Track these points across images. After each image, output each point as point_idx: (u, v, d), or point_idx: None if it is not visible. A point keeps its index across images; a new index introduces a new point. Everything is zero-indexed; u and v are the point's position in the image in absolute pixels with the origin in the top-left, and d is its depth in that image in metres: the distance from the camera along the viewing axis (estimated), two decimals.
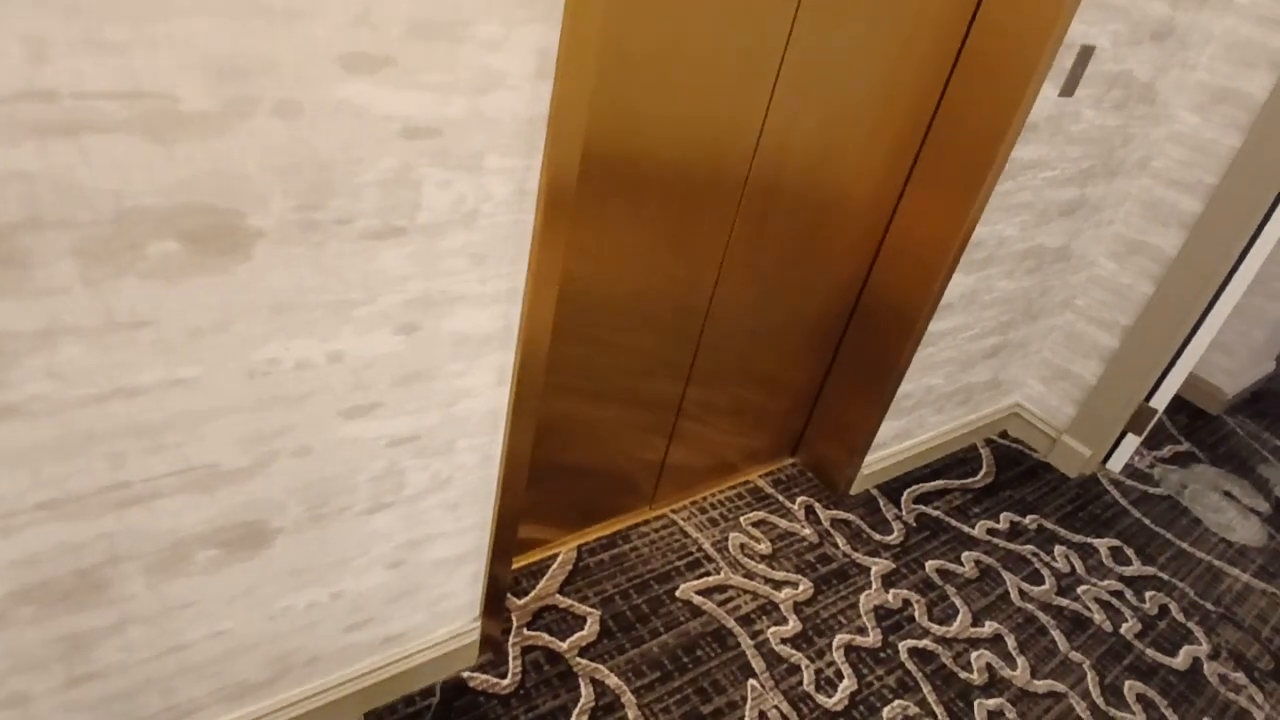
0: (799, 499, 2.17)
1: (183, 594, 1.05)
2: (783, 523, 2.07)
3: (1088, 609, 2.07)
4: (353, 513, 1.16)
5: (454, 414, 1.18)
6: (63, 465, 0.86)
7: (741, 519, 2.05)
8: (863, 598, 1.91)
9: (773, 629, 1.77)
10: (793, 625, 1.80)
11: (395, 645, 1.40)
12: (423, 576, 1.34)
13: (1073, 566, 2.20)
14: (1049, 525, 2.33)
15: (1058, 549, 2.25)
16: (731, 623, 1.76)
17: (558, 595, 1.73)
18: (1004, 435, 2.70)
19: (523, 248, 1.09)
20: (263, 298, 0.89)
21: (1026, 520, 2.33)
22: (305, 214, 0.87)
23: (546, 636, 1.63)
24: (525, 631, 1.63)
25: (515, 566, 1.77)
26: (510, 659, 1.57)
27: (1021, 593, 2.06)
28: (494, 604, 1.50)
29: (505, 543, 1.42)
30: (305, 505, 1.10)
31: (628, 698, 1.55)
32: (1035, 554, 2.21)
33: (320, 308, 0.94)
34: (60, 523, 0.89)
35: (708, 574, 1.87)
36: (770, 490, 2.17)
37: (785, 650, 1.73)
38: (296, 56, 0.78)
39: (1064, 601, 2.07)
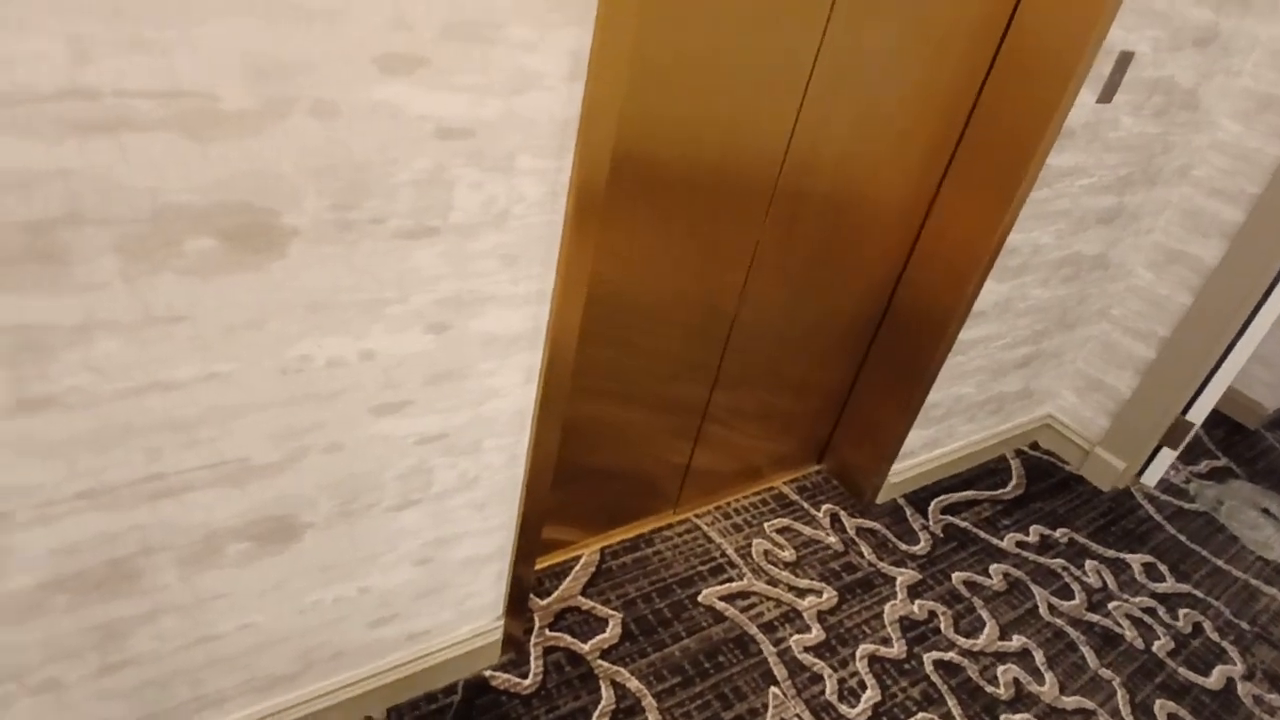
0: (824, 506, 2.15)
1: (214, 586, 1.07)
2: (807, 530, 2.06)
3: (1119, 625, 2.03)
4: (381, 509, 1.17)
5: (482, 413, 1.19)
6: (99, 457, 0.87)
7: (766, 525, 2.04)
8: (888, 608, 1.89)
9: (795, 637, 1.76)
10: (816, 634, 1.78)
11: (420, 642, 1.41)
12: (448, 574, 1.35)
13: (1104, 582, 2.16)
14: (1080, 539, 2.29)
15: (1089, 564, 2.21)
16: (754, 629, 1.75)
17: (580, 597, 1.73)
18: (1035, 446, 2.66)
19: (552, 249, 1.09)
20: (297, 295, 0.90)
21: (1057, 533, 2.29)
22: (340, 213, 0.88)
23: (568, 638, 1.63)
24: (547, 632, 1.63)
25: (538, 567, 1.77)
26: (532, 659, 1.57)
27: (1051, 607, 2.03)
28: (517, 604, 1.50)
29: (530, 543, 1.43)
30: (335, 501, 1.11)
31: (649, 701, 1.55)
32: (1065, 568, 2.17)
33: (353, 306, 0.95)
34: (96, 513, 0.91)
35: (731, 580, 1.86)
36: (795, 497, 2.16)
37: (808, 659, 1.72)
38: (333, 57, 0.79)
39: (1095, 617, 2.03)
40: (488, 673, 1.53)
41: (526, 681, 1.53)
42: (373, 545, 1.20)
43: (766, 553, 1.95)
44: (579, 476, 1.70)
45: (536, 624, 1.64)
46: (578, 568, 1.79)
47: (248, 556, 1.07)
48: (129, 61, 0.70)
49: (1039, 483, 2.48)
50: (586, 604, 1.72)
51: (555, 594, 1.72)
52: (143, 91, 0.71)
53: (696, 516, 2.01)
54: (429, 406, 1.12)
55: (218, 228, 0.81)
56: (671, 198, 1.40)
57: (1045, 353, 2.36)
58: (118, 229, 0.76)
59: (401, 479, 1.16)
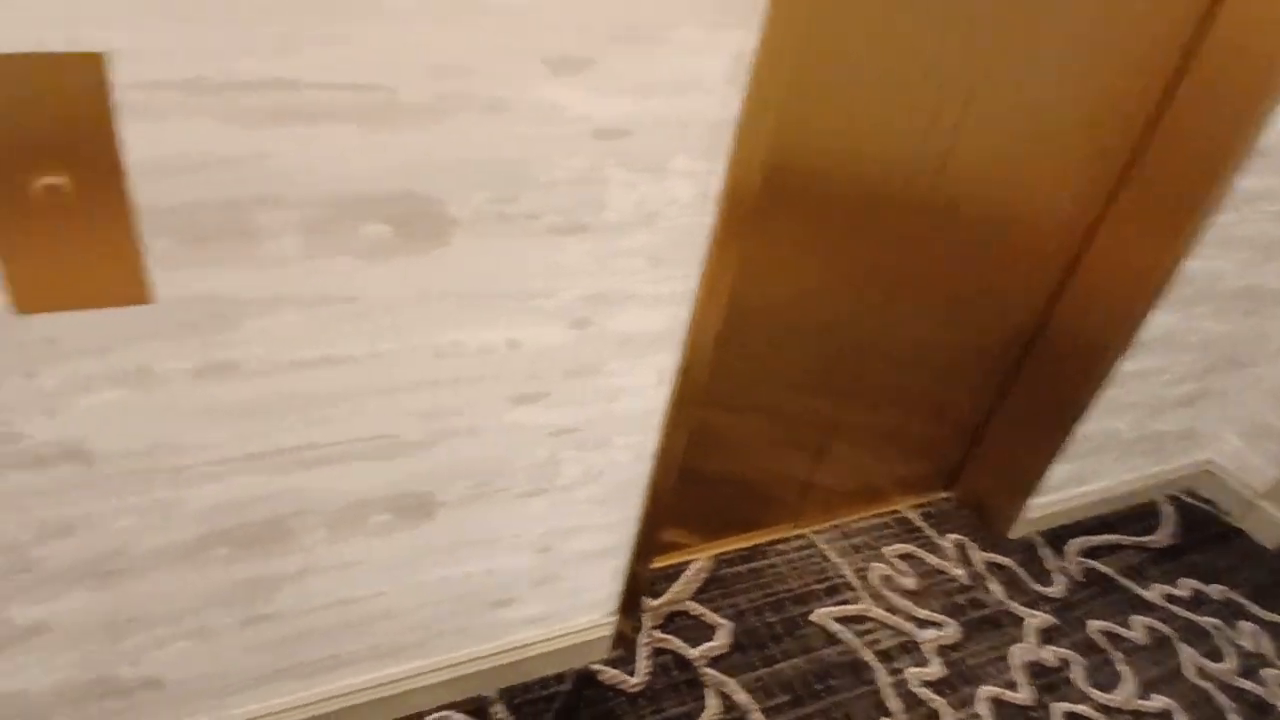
0: (950, 536, 2.05)
1: (355, 553, 1.12)
2: (931, 559, 1.97)
3: (1275, 696, 1.84)
4: (510, 495, 1.20)
5: (613, 410, 1.20)
6: (268, 422, 0.94)
7: (885, 549, 1.97)
8: (1015, 650, 1.79)
9: (913, 669, 1.69)
10: (936, 668, 1.70)
11: (535, 628, 1.44)
12: (567, 565, 1.37)
13: (1261, 647, 1.96)
14: (1238, 599, 2.09)
15: (1245, 625, 2.01)
16: (869, 656, 1.69)
17: (691, 602, 1.72)
18: (1191, 493, 2.44)
19: (698, 252, 1.09)
20: (455, 283, 0.94)
21: (1211, 589, 2.10)
22: (499, 206, 0.91)
23: (677, 641, 1.63)
24: (657, 634, 1.63)
25: (652, 568, 1.77)
26: (640, 658, 1.58)
27: (1199, 669, 1.86)
28: (631, 601, 1.51)
29: (647, 542, 1.43)
30: (470, 483, 1.15)
31: (756, 717, 1.52)
32: (1218, 628, 1.98)
33: (504, 296, 0.98)
34: (259, 474, 0.98)
35: (846, 602, 1.80)
36: (920, 523, 2.07)
37: (925, 693, 1.64)
38: (506, 56, 0.81)
39: (1247, 684, 1.85)
40: (596, 667, 1.55)
41: (634, 680, 1.54)
42: (499, 529, 1.24)
43: (886, 578, 1.88)
44: (698, 480, 1.69)
45: (646, 624, 1.65)
46: (690, 572, 1.78)
47: (387, 528, 1.12)
48: (325, 54, 0.74)
49: (1194, 533, 2.28)
50: (697, 609, 1.71)
51: (666, 596, 1.72)
52: (335, 83, 0.76)
53: (815, 533, 1.96)
54: (565, 399, 1.14)
55: (391, 214, 0.85)
56: (815, 206, 1.37)
57: (1212, 391, 2.17)
58: (303, 211, 0.81)
59: (532, 467, 1.19)
